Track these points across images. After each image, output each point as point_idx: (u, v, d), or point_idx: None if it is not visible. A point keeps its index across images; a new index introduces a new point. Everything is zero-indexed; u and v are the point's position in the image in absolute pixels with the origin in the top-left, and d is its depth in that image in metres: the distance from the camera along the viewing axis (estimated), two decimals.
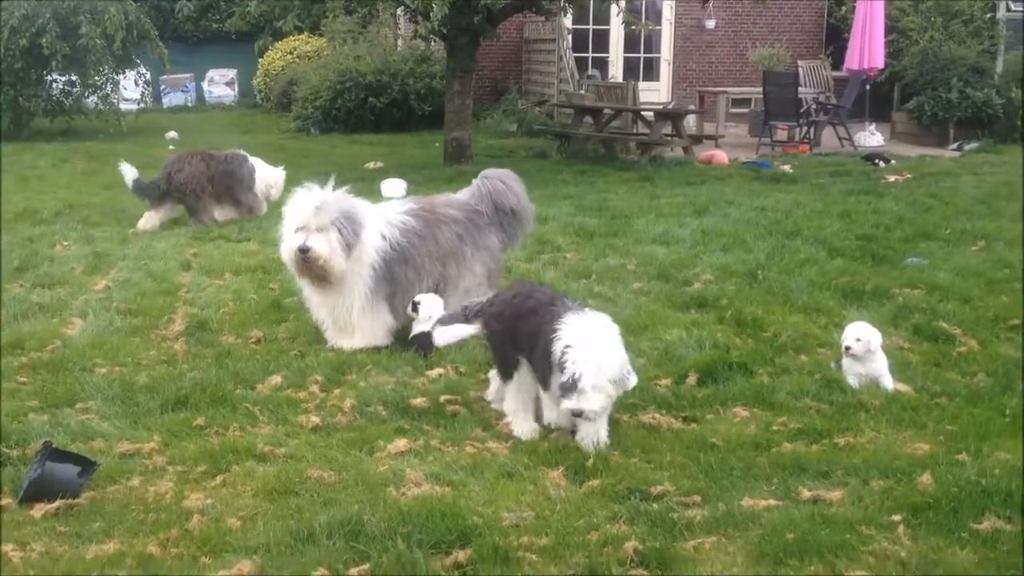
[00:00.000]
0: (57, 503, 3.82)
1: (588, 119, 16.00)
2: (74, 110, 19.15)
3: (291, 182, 12.51)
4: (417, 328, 5.90)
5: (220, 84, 25.82)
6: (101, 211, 10.47)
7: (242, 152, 10.28)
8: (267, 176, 10.23)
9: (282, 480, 4.07)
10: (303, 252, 5.70)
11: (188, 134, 18.80)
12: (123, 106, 19.64)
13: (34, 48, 17.35)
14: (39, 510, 3.80)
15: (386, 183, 11.53)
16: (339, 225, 5.72)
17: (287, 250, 5.80)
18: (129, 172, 9.64)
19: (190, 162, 9.79)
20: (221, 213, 9.97)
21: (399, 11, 15.77)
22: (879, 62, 17.41)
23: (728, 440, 4.46)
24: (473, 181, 6.55)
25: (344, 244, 5.73)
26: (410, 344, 5.87)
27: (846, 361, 5.22)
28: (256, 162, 10.21)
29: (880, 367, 5.16)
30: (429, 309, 5.87)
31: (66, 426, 4.65)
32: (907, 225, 9.20)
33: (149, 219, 9.68)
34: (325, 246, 5.69)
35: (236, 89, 25.90)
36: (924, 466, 4.08)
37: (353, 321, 5.94)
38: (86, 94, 19.00)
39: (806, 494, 3.90)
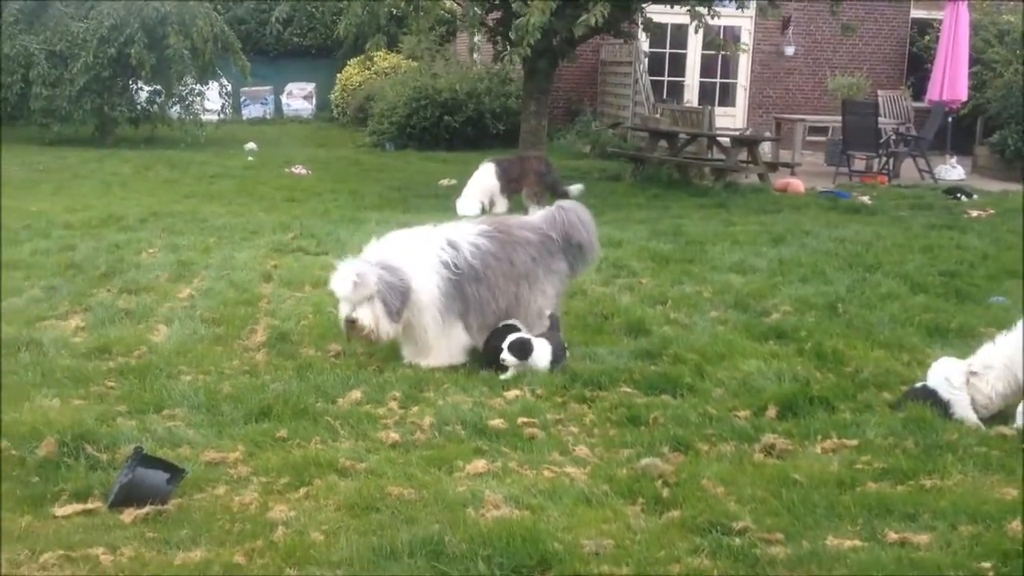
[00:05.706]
0: (146, 509, 3.89)
1: (663, 143, 15.95)
2: (158, 119, 19.56)
3: (365, 197, 12.71)
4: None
5: (298, 98, 26.24)
6: (184, 220, 10.68)
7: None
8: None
9: (363, 496, 4.10)
10: (350, 323, 5.81)
11: (266, 146, 19.13)
12: (204, 117, 20.04)
13: (122, 57, 17.77)
14: (129, 515, 3.87)
15: (461, 201, 11.62)
16: (382, 296, 5.77)
17: (340, 319, 5.93)
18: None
19: (531, 161, 12.17)
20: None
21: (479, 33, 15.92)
22: (962, 94, 17.12)
23: (811, 476, 4.39)
24: (548, 208, 6.61)
25: (390, 311, 5.79)
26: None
27: None
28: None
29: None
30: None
31: (153, 432, 4.73)
32: (991, 262, 9.01)
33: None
34: (369, 317, 5.77)
35: (314, 103, 26.29)
36: (1014, 512, 3.98)
37: (429, 343, 6.02)
38: (170, 104, 19.41)
39: (892, 536, 3.82)
